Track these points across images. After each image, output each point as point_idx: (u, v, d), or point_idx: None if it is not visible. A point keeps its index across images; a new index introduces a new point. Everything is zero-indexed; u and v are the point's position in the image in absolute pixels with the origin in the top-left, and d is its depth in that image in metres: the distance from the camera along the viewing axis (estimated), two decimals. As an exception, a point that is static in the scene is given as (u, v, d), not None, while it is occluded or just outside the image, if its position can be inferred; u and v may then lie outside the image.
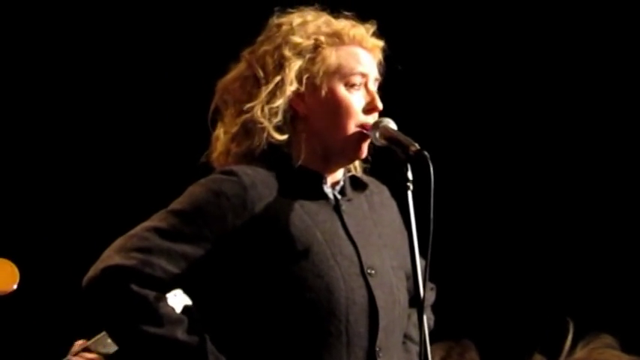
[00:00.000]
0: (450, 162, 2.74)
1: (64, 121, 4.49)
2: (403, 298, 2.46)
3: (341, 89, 2.43)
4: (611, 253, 4.54)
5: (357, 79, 2.44)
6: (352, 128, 2.42)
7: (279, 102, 2.41)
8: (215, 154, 2.48)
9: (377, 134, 2.40)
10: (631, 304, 4.35)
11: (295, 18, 2.48)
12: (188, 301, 2.52)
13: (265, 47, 2.46)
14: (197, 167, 2.49)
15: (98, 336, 2.90)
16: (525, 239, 4.61)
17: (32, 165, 4.43)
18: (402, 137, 2.35)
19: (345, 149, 2.44)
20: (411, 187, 2.27)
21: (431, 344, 2.28)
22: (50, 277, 3.74)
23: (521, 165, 4.67)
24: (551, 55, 4.64)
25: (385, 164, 2.49)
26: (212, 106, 2.50)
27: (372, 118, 2.44)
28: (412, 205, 2.27)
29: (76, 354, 2.90)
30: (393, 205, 2.56)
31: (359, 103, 2.43)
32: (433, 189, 2.24)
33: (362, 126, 2.42)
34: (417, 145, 2.30)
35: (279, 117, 2.41)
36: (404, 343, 2.49)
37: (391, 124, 2.40)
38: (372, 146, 2.47)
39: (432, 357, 2.33)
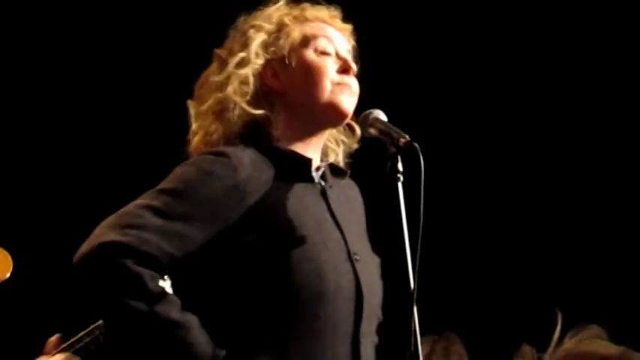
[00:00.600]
0: (438, 154, 2.75)
1: (61, 115, 4.51)
2: (379, 288, 2.47)
3: (310, 54, 2.45)
4: (599, 244, 4.56)
5: (324, 43, 2.46)
6: (329, 86, 2.43)
7: (245, 72, 2.43)
8: (193, 144, 2.48)
9: (367, 120, 2.40)
10: (619, 294, 4.37)
11: (260, 12, 2.53)
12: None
13: (232, 38, 2.51)
14: (178, 159, 2.46)
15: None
16: (513, 231, 4.62)
17: (26, 156, 4.45)
18: (392, 128, 2.34)
19: (327, 108, 2.44)
20: (402, 178, 2.27)
21: (410, 338, 2.25)
22: (43, 266, 3.74)
23: (508, 158, 4.68)
24: (544, 49, 4.65)
25: (374, 156, 2.45)
26: (191, 104, 2.51)
27: (349, 78, 2.45)
28: (402, 197, 2.26)
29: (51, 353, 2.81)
30: (362, 202, 2.58)
31: (331, 65, 2.45)
32: (423, 181, 2.23)
33: (339, 83, 2.43)
34: (407, 136, 2.30)
35: (251, 91, 2.43)
36: None
37: (381, 116, 2.40)
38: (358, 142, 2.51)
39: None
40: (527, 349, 3.04)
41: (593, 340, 2.90)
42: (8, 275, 2.54)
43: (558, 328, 2.98)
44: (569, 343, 2.92)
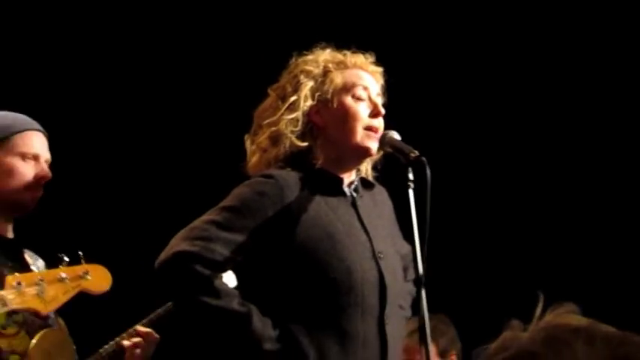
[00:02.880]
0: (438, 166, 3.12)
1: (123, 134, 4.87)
2: (401, 276, 2.90)
3: (348, 100, 2.85)
4: (579, 238, 4.79)
5: (360, 91, 2.85)
6: (361, 130, 2.83)
7: (296, 114, 2.84)
8: (250, 164, 2.91)
9: (384, 139, 2.79)
10: (591, 278, 4.64)
11: (308, 56, 2.95)
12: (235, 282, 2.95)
13: (285, 78, 2.93)
14: (237, 174, 2.89)
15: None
16: (508, 230, 4.86)
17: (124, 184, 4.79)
18: (404, 146, 2.78)
19: (357, 148, 2.83)
20: (412, 186, 2.67)
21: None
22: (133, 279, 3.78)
23: (495, 160, 4.89)
24: (545, 57, 4.81)
25: (390, 168, 2.88)
26: (252, 131, 2.91)
27: (377, 121, 2.85)
28: (413, 201, 2.64)
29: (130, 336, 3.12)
30: (390, 203, 2.99)
31: (365, 110, 2.85)
32: (430, 188, 2.62)
33: (369, 128, 2.82)
34: (416, 152, 2.72)
35: (299, 127, 2.84)
36: None
37: (395, 135, 2.84)
38: (380, 156, 2.87)
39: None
40: (515, 323, 3.41)
41: (568, 314, 3.33)
42: (108, 288, 2.83)
43: (540, 305, 3.41)
44: (548, 317, 3.34)
